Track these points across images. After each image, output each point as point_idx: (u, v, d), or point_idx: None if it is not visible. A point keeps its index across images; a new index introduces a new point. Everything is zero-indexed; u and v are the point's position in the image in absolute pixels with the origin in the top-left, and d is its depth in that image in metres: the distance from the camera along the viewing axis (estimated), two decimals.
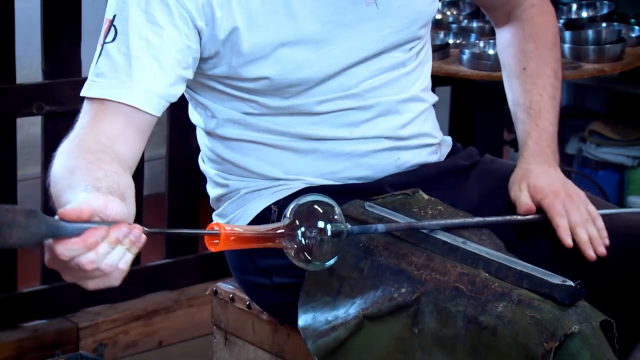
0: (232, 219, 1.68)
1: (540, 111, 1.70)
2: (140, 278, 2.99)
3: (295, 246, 1.33)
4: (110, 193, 1.27)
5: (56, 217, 1.17)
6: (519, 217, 1.58)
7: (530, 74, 1.74)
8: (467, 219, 1.49)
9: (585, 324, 1.27)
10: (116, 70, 1.48)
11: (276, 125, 1.62)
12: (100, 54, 1.50)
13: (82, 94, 1.50)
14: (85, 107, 1.50)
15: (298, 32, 1.56)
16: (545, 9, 1.84)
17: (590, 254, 1.52)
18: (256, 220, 1.64)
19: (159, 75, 1.49)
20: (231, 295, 1.79)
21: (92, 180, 1.31)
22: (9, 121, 2.70)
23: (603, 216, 1.57)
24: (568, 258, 1.54)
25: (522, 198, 1.59)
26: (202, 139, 1.73)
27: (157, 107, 1.50)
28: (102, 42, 1.50)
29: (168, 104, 1.53)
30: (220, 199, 1.72)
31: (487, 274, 1.35)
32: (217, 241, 1.28)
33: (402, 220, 1.50)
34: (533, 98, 1.72)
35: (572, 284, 1.30)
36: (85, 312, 2.88)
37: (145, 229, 1.22)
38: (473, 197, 1.68)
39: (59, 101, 2.71)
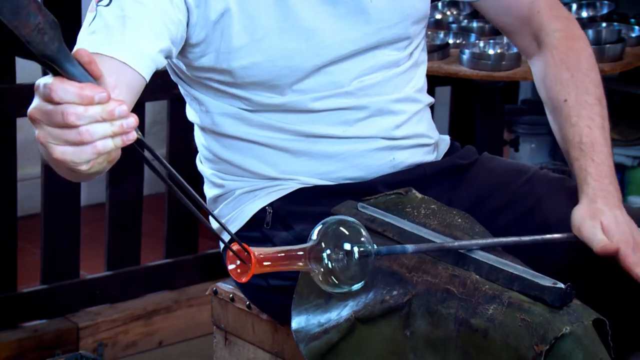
0: (228, 220, 1.68)
1: (594, 145, 1.59)
2: (140, 278, 2.99)
3: (322, 270, 1.31)
4: None
5: None
6: (552, 236, 1.52)
7: (573, 105, 1.63)
8: (502, 239, 1.45)
9: (577, 324, 1.27)
10: (109, 29, 1.46)
11: (271, 121, 1.62)
12: (94, 16, 1.47)
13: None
14: None
15: (289, 19, 1.56)
16: (573, 33, 1.73)
17: None
18: (252, 222, 1.64)
19: (151, 37, 1.48)
20: (231, 295, 1.79)
21: None
22: (9, 121, 2.70)
23: None
24: (563, 255, 1.54)
25: (599, 236, 1.49)
26: (198, 138, 1.73)
27: (146, 69, 1.47)
28: (95, 6, 1.48)
29: (155, 69, 1.49)
30: (216, 200, 1.72)
31: (478, 276, 1.35)
32: (240, 268, 1.25)
33: (395, 221, 1.49)
34: (582, 132, 1.60)
35: (562, 286, 1.29)
36: (85, 312, 2.89)
37: (140, 135, 1.14)
38: (470, 195, 1.68)
39: None
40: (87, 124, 1.08)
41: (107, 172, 2.89)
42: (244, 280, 1.26)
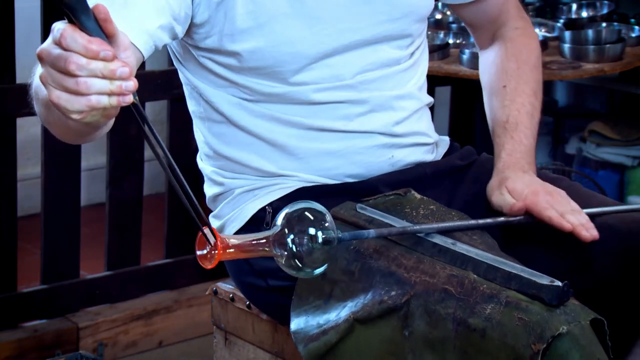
0: (228, 220, 1.68)
1: (517, 125, 1.68)
2: (140, 278, 3.00)
3: (286, 253, 1.33)
4: None
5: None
6: (508, 219, 1.57)
7: (510, 91, 1.73)
8: (458, 222, 1.49)
9: (574, 324, 1.27)
10: (112, 3, 1.46)
11: (272, 112, 1.62)
12: None
13: None
14: None
15: (294, 5, 1.56)
16: (529, 32, 1.83)
17: (586, 234, 1.49)
18: (252, 222, 1.64)
19: (151, 13, 1.48)
20: (231, 295, 1.79)
21: None
22: (9, 121, 2.70)
23: (596, 214, 1.57)
24: (562, 254, 1.54)
25: (508, 199, 1.58)
26: (198, 134, 1.73)
27: (145, 45, 1.48)
28: None
29: (154, 48, 1.50)
30: (216, 199, 1.72)
31: (475, 276, 1.35)
32: (214, 252, 1.26)
33: (393, 222, 1.50)
34: (510, 113, 1.70)
35: (559, 284, 1.29)
36: (85, 312, 2.89)
37: (137, 100, 1.15)
38: (469, 196, 1.69)
39: None
40: (86, 76, 1.10)
41: (107, 172, 2.90)
42: (210, 266, 1.28)
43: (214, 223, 1.74)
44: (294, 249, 1.33)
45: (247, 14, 1.55)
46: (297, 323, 1.47)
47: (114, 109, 1.14)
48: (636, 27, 2.90)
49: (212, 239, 1.27)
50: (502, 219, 1.57)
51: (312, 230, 1.33)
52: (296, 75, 1.60)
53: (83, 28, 1.11)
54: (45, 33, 2.72)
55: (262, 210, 1.64)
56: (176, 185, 1.24)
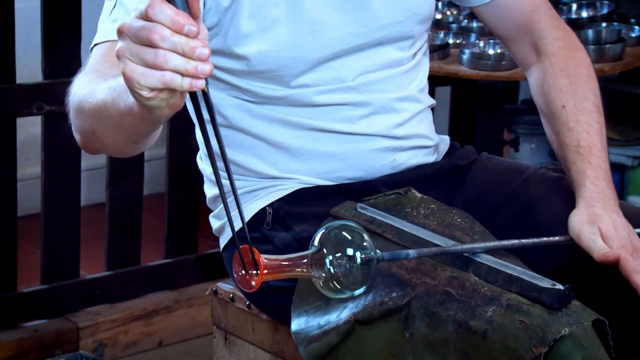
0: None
1: (591, 149, 1.58)
2: (140, 278, 3.00)
3: (324, 275, 1.31)
4: None
5: None
6: (551, 239, 1.51)
7: (571, 111, 1.62)
8: (502, 242, 1.44)
9: (576, 325, 1.26)
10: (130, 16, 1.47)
11: (274, 113, 1.62)
12: (115, 5, 1.48)
13: (94, 41, 1.48)
14: (96, 50, 1.47)
15: (296, 10, 1.56)
16: (572, 43, 1.72)
17: None
18: (251, 222, 1.64)
19: None
20: (231, 295, 1.79)
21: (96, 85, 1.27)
22: (9, 121, 2.71)
23: None
24: (562, 254, 1.54)
25: (599, 244, 1.48)
26: (199, 134, 1.73)
27: None
28: None
29: None
30: (216, 199, 1.72)
31: (477, 278, 1.35)
32: (254, 273, 1.25)
33: (394, 222, 1.49)
34: (580, 137, 1.59)
35: (561, 287, 1.29)
36: (85, 312, 2.89)
37: (208, 89, 1.14)
38: (469, 195, 1.68)
39: (59, 101, 2.70)
40: (167, 49, 1.08)
41: (107, 172, 2.90)
42: (253, 289, 1.26)
43: (214, 223, 1.74)
44: (332, 270, 1.30)
45: (250, 19, 1.55)
46: (297, 323, 1.47)
47: (180, 97, 1.13)
48: (636, 27, 2.90)
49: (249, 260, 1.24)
50: (545, 239, 1.50)
51: (350, 251, 1.31)
52: (298, 78, 1.60)
53: (171, 1, 1.10)
54: (45, 33, 2.73)
55: (263, 210, 1.64)
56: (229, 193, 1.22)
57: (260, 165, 1.65)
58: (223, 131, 1.66)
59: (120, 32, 1.12)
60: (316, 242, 1.32)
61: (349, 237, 1.32)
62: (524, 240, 1.46)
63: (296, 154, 1.64)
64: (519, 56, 1.76)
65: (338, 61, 1.61)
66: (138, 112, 1.18)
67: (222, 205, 1.70)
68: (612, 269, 1.47)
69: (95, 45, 1.48)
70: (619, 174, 3.41)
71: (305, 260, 1.30)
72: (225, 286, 1.81)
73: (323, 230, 1.32)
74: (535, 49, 1.73)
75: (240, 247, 1.25)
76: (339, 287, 1.31)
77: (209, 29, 1.57)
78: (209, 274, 3.07)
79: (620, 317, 1.39)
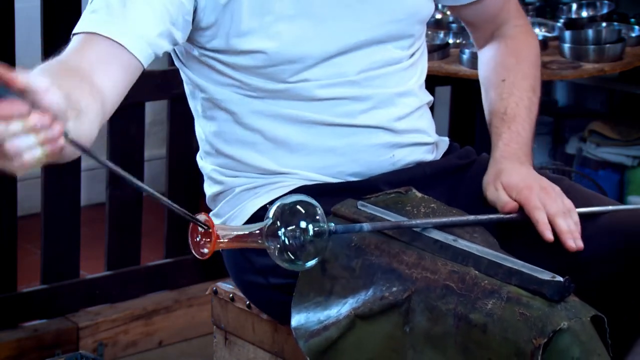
0: (228, 219, 1.68)
1: (515, 117, 1.69)
2: (140, 278, 2.99)
3: (278, 246, 1.34)
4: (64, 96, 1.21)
5: None
6: (501, 216, 1.58)
7: (509, 85, 1.74)
8: (453, 218, 1.49)
9: (574, 320, 1.27)
10: (110, 9, 1.48)
11: (275, 107, 1.62)
12: None
13: (73, 31, 1.49)
14: (73, 41, 1.48)
15: (300, 6, 1.57)
16: (529, 30, 1.86)
17: (571, 244, 1.51)
18: (252, 220, 1.64)
19: (150, 21, 1.49)
20: (231, 295, 1.79)
21: (53, 78, 1.25)
22: None
23: (590, 213, 1.58)
24: (561, 253, 1.54)
25: (502, 197, 1.59)
26: (199, 132, 1.73)
27: (143, 53, 1.49)
28: None
29: (154, 56, 1.51)
30: (216, 198, 1.72)
31: (477, 272, 1.36)
32: (208, 240, 1.28)
33: (395, 219, 1.50)
34: (508, 105, 1.71)
35: (561, 279, 1.30)
36: (85, 312, 2.88)
37: (71, 136, 1.13)
38: (469, 195, 1.69)
39: None
40: (10, 140, 1.08)
41: (107, 172, 2.90)
42: (206, 255, 1.29)
43: (214, 222, 1.74)
44: (286, 241, 1.34)
45: (252, 15, 1.55)
46: (297, 319, 1.48)
47: (57, 154, 1.13)
48: (636, 27, 2.90)
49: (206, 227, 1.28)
50: (495, 216, 1.57)
51: (303, 223, 1.34)
52: (300, 74, 1.60)
53: None
54: (45, 33, 2.73)
55: (263, 208, 1.63)
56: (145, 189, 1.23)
57: (261, 159, 1.65)
58: (224, 126, 1.66)
59: None
60: (271, 215, 1.35)
61: (303, 210, 1.35)
62: (479, 217, 1.52)
63: (296, 149, 1.64)
64: (478, 40, 1.87)
65: (341, 58, 1.62)
66: None
67: (222, 202, 1.70)
68: (612, 269, 1.48)
69: (75, 34, 1.49)
70: (619, 174, 3.41)
71: (259, 231, 1.33)
72: (225, 286, 1.81)
73: (278, 204, 1.36)
74: (493, 32, 1.83)
75: (197, 215, 1.29)
76: (292, 258, 1.35)
77: (207, 27, 1.57)
78: (209, 274, 3.07)
79: (617, 316, 1.39)
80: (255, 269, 1.64)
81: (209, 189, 1.74)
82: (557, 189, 1.59)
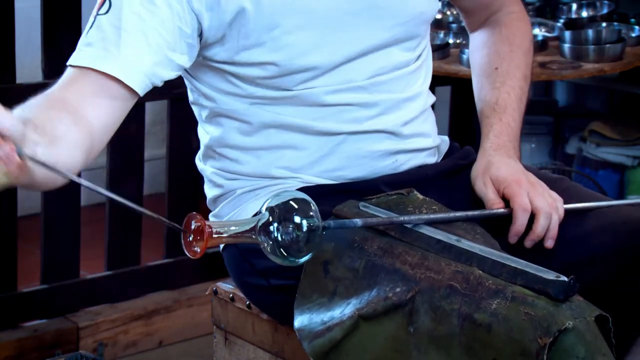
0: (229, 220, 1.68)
1: (506, 108, 1.71)
2: (140, 278, 2.99)
3: (271, 242, 1.34)
4: (32, 126, 1.25)
5: None
6: (490, 211, 1.58)
7: (501, 74, 1.75)
8: (445, 214, 1.50)
9: (579, 319, 1.27)
10: (104, 41, 1.48)
11: (280, 114, 1.62)
12: (92, 25, 1.50)
13: (68, 62, 1.50)
14: (67, 72, 1.49)
15: (307, 16, 1.56)
16: (523, 16, 1.85)
17: (528, 244, 1.55)
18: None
19: (145, 51, 1.49)
20: (231, 295, 1.79)
21: (31, 109, 1.29)
22: None
23: (578, 209, 1.59)
24: (561, 253, 1.54)
25: (489, 195, 1.60)
26: (202, 135, 1.73)
27: (139, 83, 1.49)
28: (95, 14, 1.51)
29: (151, 85, 1.52)
30: (216, 200, 1.72)
31: (481, 272, 1.35)
32: (199, 238, 1.29)
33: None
34: (500, 96, 1.72)
35: (565, 279, 1.30)
36: (85, 312, 2.89)
37: (26, 152, 1.17)
38: (469, 196, 1.69)
39: None
40: None
41: (107, 172, 2.90)
42: (197, 255, 1.30)
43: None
44: (279, 237, 1.34)
45: (260, 28, 1.55)
46: (300, 320, 1.47)
47: (14, 172, 1.16)
48: (636, 27, 2.90)
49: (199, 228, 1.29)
50: (487, 211, 1.58)
51: (297, 219, 1.34)
52: (309, 82, 1.60)
53: None
54: (45, 33, 2.73)
55: None
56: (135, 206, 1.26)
57: (263, 165, 1.65)
58: (228, 132, 1.66)
59: None
60: (264, 210, 1.35)
61: (296, 206, 1.35)
62: (469, 213, 1.52)
63: (300, 155, 1.64)
64: (470, 24, 1.87)
65: (349, 65, 1.61)
66: None
67: (222, 204, 1.70)
68: (612, 269, 1.48)
69: (70, 65, 1.50)
70: (619, 174, 3.41)
71: (252, 227, 1.33)
72: (225, 286, 1.81)
73: (271, 199, 1.36)
74: (487, 19, 1.83)
75: (190, 214, 1.30)
76: (285, 254, 1.35)
77: (214, 43, 1.56)
78: (209, 274, 3.07)
79: (617, 316, 1.39)
80: (257, 270, 1.64)
81: (210, 191, 1.73)
82: (544, 185, 1.60)
